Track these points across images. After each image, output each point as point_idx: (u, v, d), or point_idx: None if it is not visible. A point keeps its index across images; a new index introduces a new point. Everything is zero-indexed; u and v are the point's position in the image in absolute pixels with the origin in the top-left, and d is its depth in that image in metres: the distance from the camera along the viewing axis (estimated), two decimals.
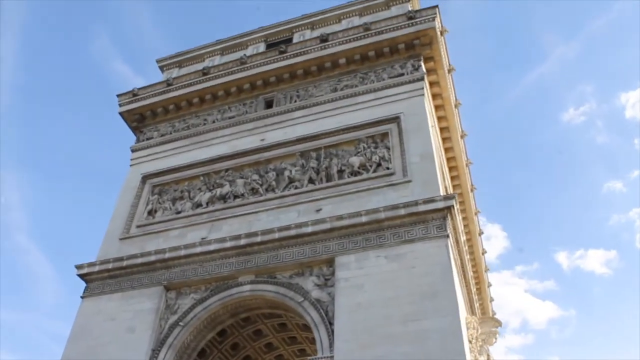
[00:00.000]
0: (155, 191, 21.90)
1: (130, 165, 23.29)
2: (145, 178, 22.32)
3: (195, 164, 21.82)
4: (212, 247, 18.71)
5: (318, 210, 18.51)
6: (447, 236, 16.45)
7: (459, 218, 17.43)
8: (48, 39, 65.63)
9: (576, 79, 73.67)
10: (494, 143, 76.22)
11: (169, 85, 24.07)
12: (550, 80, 71.41)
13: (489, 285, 34.53)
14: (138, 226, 21.00)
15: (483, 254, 32.06)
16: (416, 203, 17.13)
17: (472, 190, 28.04)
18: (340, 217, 17.63)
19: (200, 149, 22.34)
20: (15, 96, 64.19)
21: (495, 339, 18.44)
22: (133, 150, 23.73)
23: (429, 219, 16.92)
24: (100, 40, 66.07)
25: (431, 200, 17.06)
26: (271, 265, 17.90)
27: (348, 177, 19.26)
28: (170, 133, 23.59)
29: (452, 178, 25.98)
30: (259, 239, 18.26)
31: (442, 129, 24.05)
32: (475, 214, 29.42)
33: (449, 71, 23.32)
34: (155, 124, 24.22)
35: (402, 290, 15.86)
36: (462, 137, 25.57)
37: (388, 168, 18.97)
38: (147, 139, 23.84)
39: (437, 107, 23.35)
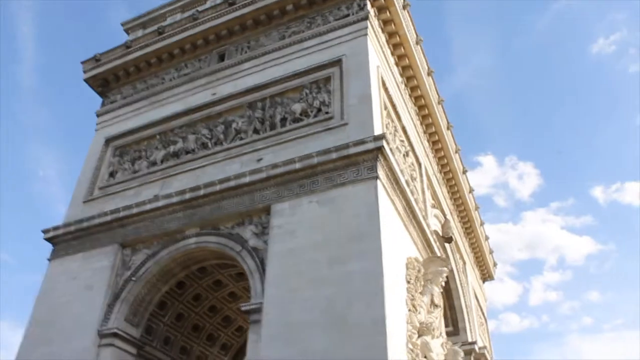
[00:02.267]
0: (117, 153, 22.38)
1: (96, 130, 23.80)
2: (108, 141, 22.81)
3: (153, 123, 22.10)
4: (160, 204, 19.10)
5: (259, 160, 18.54)
6: (377, 178, 16.25)
7: (393, 158, 17.09)
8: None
9: (606, 7, 69.95)
10: (521, 80, 73.89)
11: (127, 47, 24.26)
12: (578, 10, 68.09)
13: (482, 223, 34.11)
14: (100, 188, 21.63)
15: (470, 192, 31.53)
16: (347, 146, 16.93)
17: (448, 129, 27.40)
18: (275, 166, 17.64)
19: (158, 109, 22.58)
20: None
21: (443, 278, 18.24)
22: (98, 115, 24.21)
23: (360, 161, 16.71)
24: None
25: (361, 142, 16.80)
26: (214, 217, 18.18)
27: (290, 124, 19.17)
28: (132, 95, 23.90)
29: (423, 117, 25.44)
30: (201, 192, 18.52)
31: (404, 68, 23.46)
32: (456, 152, 28.82)
33: (404, 7, 22.59)
34: (119, 88, 24.56)
35: (331, 234, 15.87)
36: (429, 74, 24.90)
37: (327, 113, 18.74)
38: (111, 103, 24.26)
39: (395, 46, 22.74)
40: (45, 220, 68.07)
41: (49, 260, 20.54)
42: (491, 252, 36.91)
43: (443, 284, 20.23)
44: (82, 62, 24.89)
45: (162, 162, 20.91)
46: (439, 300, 17.88)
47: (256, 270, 16.58)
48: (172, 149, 20.99)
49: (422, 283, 17.50)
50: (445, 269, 18.26)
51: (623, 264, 76.83)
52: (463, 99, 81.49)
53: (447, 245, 27.42)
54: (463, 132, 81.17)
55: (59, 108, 67.61)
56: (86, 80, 24.83)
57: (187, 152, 20.59)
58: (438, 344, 17.36)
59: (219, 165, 19.32)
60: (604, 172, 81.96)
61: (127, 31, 26.63)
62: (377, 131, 17.49)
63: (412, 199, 18.42)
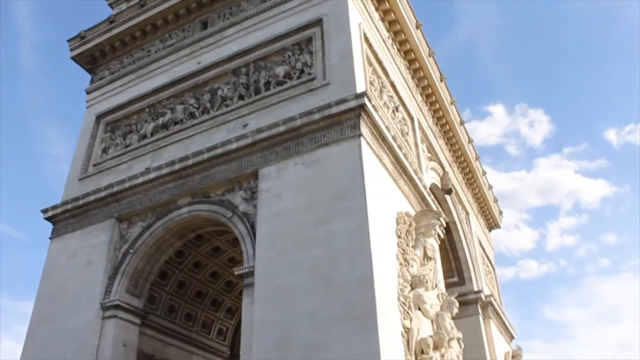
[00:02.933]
0: (108, 129, 22.53)
1: (86, 107, 23.93)
2: (99, 117, 22.94)
3: (141, 96, 22.12)
4: (151, 176, 19.30)
5: (245, 126, 18.56)
6: (360, 135, 16.20)
7: (377, 115, 16.96)
8: None
9: None
10: (528, 26, 72.44)
11: (111, 22, 24.13)
12: None
13: (484, 173, 33.94)
14: (94, 165, 21.87)
15: (469, 142, 31.28)
16: (329, 106, 16.86)
17: (442, 81, 27.03)
18: (260, 130, 17.67)
19: (145, 82, 22.55)
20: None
21: (435, 230, 18.29)
22: (88, 92, 24.29)
23: (343, 120, 16.66)
24: None
25: (343, 101, 16.71)
26: (204, 186, 18.34)
27: (273, 88, 19.07)
28: (119, 70, 23.88)
29: (415, 71, 25.12)
30: (190, 161, 18.65)
31: (390, 23, 23.08)
32: (452, 103, 28.49)
33: None
34: (106, 63, 24.52)
35: (316, 194, 15.98)
36: (417, 27, 24.47)
37: (310, 74, 18.60)
38: (99, 79, 24.29)
39: (379, 1, 22.31)
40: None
41: (50, 239, 20.98)
42: (495, 200, 36.82)
43: (441, 235, 20.51)
44: (69, 40, 24.85)
45: (152, 134, 21.02)
46: (432, 252, 17.98)
47: (247, 235, 16.80)
48: (161, 120, 21.06)
49: (414, 236, 17.59)
50: (438, 221, 18.30)
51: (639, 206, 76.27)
52: (470, 49, 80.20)
53: (447, 197, 27.45)
54: (470, 83, 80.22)
55: (65, 87, 67.80)
56: (73, 58, 24.82)
57: (176, 123, 20.64)
58: (433, 295, 17.54)
59: (207, 133, 19.38)
60: (617, 114, 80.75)
61: (111, 5, 26.41)
62: (360, 89, 17.33)
63: (400, 154, 18.36)
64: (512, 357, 29.41)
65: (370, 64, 19.92)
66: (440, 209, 21.57)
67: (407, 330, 15.01)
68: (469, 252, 28.75)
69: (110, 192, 19.96)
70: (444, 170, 26.81)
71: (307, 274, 14.80)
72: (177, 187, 18.89)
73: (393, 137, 17.98)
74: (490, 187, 35.43)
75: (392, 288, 15.14)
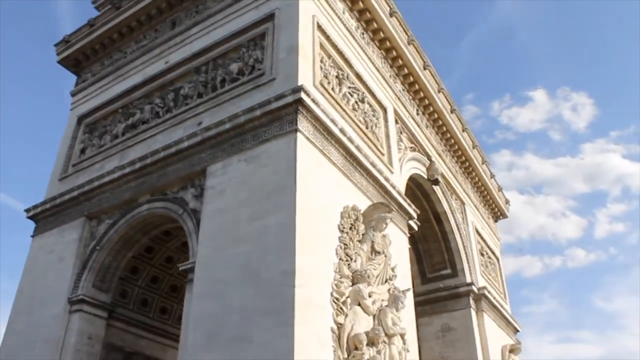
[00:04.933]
0: (87, 130, 23.36)
1: (70, 110, 24.84)
2: (80, 119, 23.79)
3: (116, 97, 22.78)
4: (116, 175, 19.92)
5: (199, 124, 18.84)
6: (296, 130, 16.23)
7: (319, 109, 16.88)
8: None
9: None
10: (568, 8, 69.85)
11: (91, 26, 24.94)
12: None
13: (484, 162, 33.12)
14: (73, 165, 22.72)
15: (464, 130, 30.57)
16: (269, 101, 16.94)
17: (425, 69, 26.55)
18: (208, 128, 17.95)
19: (121, 83, 23.21)
20: None
21: (386, 224, 18.03)
22: (72, 95, 25.20)
23: (283, 115, 16.71)
24: None
25: (281, 96, 16.75)
26: (161, 184, 18.80)
27: (228, 85, 19.29)
28: (100, 72, 24.64)
29: (392, 60, 24.77)
30: (149, 160, 19.14)
31: (360, 12, 22.85)
32: (439, 91, 27.93)
33: None
34: (89, 66, 25.36)
35: (253, 190, 16.16)
36: (391, 15, 24.10)
37: (259, 69, 18.71)
38: (83, 82, 25.17)
39: None
40: None
41: (32, 237, 21.99)
42: (500, 189, 35.89)
43: (414, 227, 20.74)
44: (55, 45, 25.81)
45: (123, 134, 21.64)
46: (382, 247, 17.77)
47: (194, 231, 17.15)
48: (131, 120, 21.64)
49: (361, 231, 17.44)
50: (389, 214, 18.08)
51: None
52: (508, 33, 77.94)
53: (436, 187, 27.09)
54: (509, 68, 77.93)
55: None
56: (60, 62, 25.78)
57: (143, 123, 21.16)
58: (383, 290, 17.44)
59: (167, 132, 19.81)
60: None
61: (97, 8, 27.20)
62: (303, 82, 17.32)
63: (352, 147, 18.23)
64: (510, 350, 28.74)
65: (329, 56, 19.84)
66: (408, 202, 21.32)
67: (340, 326, 14.99)
68: (462, 243, 28.26)
69: (82, 191, 20.74)
70: (430, 160, 26.42)
71: (240, 269, 15.04)
72: (138, 185, 19.45)
73: (341, 130, 17.86)
74: (492, 176, 34.58)
75: (325, 283, 15.12)
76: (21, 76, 64.60)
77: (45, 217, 21.84)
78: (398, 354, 16.05)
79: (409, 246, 21.83)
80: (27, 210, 22.26)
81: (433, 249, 28.31)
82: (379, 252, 17.58)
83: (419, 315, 27.11)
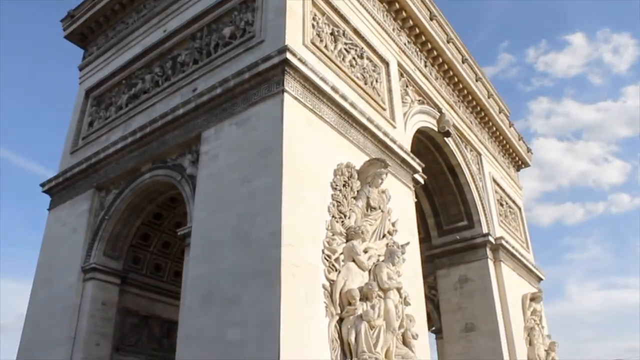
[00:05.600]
0: (94, 103, 23.80)
1: (79, 84, 25.28)
2: (88, 92, 24.24)
3: (119, 69, 23.02)
4: (120, 145, 20.36)
5: (194, 90, 18.98)
6: (283, 91, 16.18)
7: (306, 68, 16.74)
8: None
9: None
10: None
11: None
12: None
13: (501, 111, 32.29)
14: (82, 138, 23.28)
15: (478, 80, 29.77)
16: (257, 64, 16.89)
17: (432, 19, 25.84)
18: (201, 94, 18.06)
19: (123, 54, 23.43)
20: None
21: (382, 179, 17.89)
22: (80, 69, 25.61)
23: (271, 77, 16.65)
24: None
25: (268, 58, 16.67)
26: (161, 152, 19.12)
27: (221, 49, 19.28)
28: (104, 44, 24.92)
29: (396, 12, 24.21)
30: (148, 129, 19.46)
31: None
32: (448, 41, 27.21)
33: None
34: (95, 39, 25.63)
35: (244, 153, 16.32)
36: None
37: (250, 32, 18.60)
38: (89, 55, 25.52)
39: None
40: None
41: (48, 210, 22.80)
42: (520, 138, 35.02)
43: (420, 180, 21.16)
44: (61, 21, 26.16)
45: (126, 105, 21.97)
46: (378, 202, 17.72)
47: (191, 197, 17.49)
48: (133, 91, 21.94)
49: (356, 187, 17.41)
50: (384, 170, 17.94)
51: None
52: None
53: (448, 139, 26.72)
54: (545, 13, 75.01)
55: None
56: (67, 38, 26.15)
57: (145, 92, 21.41)
58: (381, 245, 17.48)
59: (165, 100, 20.03)
60: None
61: None
62: (291, 43, 17.16)
63: (346, 104, 18.08)
64: (531, 299, 28.57)
65: (323, 13, 19.56)
66: (411, 156, 21.13)
67: (332, 283, 15.19)
68: (478, 194, 27.93)
69: (90, 163, 21.30)
70: (440, 112, 25.98)
71: (232, 231, 15.34)
72: (140, 154, 19.85)
73: (333, 88, 17.68)
74: (511, 125, 33.74)
75: (315, 242, 15.24)
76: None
77: (59, 190, 22.56)
78: (394, 307, 16.13)
79: (416, 200, 21.81)
80: (42, 185, 23.05)
81: (449, 201, 28.09)
82: (374, 208, 17.55)
83: (437, 267, 27.45)
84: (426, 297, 27.13)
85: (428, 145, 26.90)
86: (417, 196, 27.94)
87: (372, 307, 15.47)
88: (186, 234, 16.87)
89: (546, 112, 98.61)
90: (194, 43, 20.36)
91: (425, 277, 27.78)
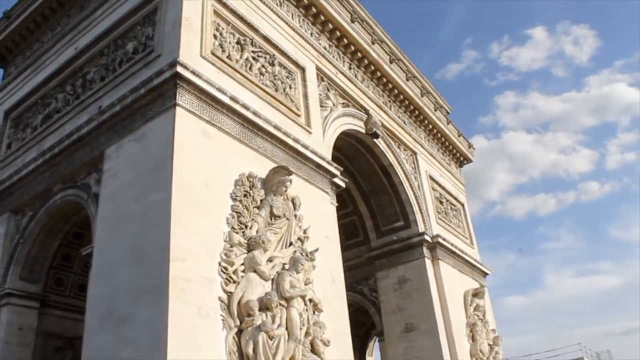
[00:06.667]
0: (12, 125, 23.50)
1: None
2: (7, 114, 23.90)
3: (35, 89, 22.66)
4: (31, 167, 20.09)
5: (100, 107, 18.81)
6: (175, 105, 16.07)
7: (200, 80, 16.59)
8: None
9: None
10: None
11: (8, 18, 24.83)
12: None
13: (437, 108, 32.38)
14: (1, 161, 22.97)
15: (408, 79, 29.83)
16: (151, 79, 16.79)
17: (353, 21, 25.83)
18: (102, 112, 17.92)
19: (39, 73, 23.09)
20: None
21: (286, 187, 17.82)
22: (0, 90, 25.34)
23: (165, 92, 16.55)
24: None
25: (160, 72, 16.59)
26: (70, 172, 18.87)
27: (124, 65, 19.13)
28: (22, 64, 24.66)
29: (314, 17, 24.16)
30: (56, 149, 19.23)
31: None
32: (373, 42, 27.14)
33: None
34: (13, 59, 25.37)
35: (140, 169, 16.21)
36: None
37: (149, 46, 18.48)
38: (8, 76, 25.24)
39: None
40: None
41: None
42: (460, 134, 35.15)
43: (341, 184, 21.41)
44: None
45: (41, 125, 21.70)
46: (283, 210, 17.64)
47: (96, 215, 17.32)
48: (47, 111, 21.71)
49: (259, 197, 17.33)
50: (288, 177, 17.88)
51: None
52: None
53: (378, 141, 26.77)
54: (505, 9, 75.64)
55: None
56: None
57: (57, 112, 21.19)
58: (288, 253, 17.39)
59: (73, 119, 19.79)
60: None
61: None
62: (186, 55, 17.07)
63: (248, 113, 18.01)
64: (473, 295, 28.68)
65: (228, 23, 19.50)
66: (327, 160, 21.11)
67: (230, 295, 15.10)
68: (414, 194, 27.99)
69: (4, 186, 21.02)
70: (367, 114, 26.01)
71: (128, 249, 15.22)
72: (51, 175, 19.60)
73: (232, 98, 17.60)
74: (449, 122, 33.87)
75: (210, 255, 15.13)
76: None
77: None
78: (299, 315, 16.05)
79: (336, 204, 21.76)
80: None
81: (385, 202, 28.14)
82: (278, 217, 17.45)
83: (377, 269, 27.48)
84: (368, 299, 27.50)
85: (359, 147, 26.93)
86: (353, 200, 28.28)
87: (273, 317, 15.40)
88: (88, 254, 16.70)
89: (513, 105, 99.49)
90: (102, 60, 20.20)
91: (366, 279, 28.12)
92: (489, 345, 27.99)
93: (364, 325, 30.98)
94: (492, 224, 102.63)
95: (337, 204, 21.97)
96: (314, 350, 16.45)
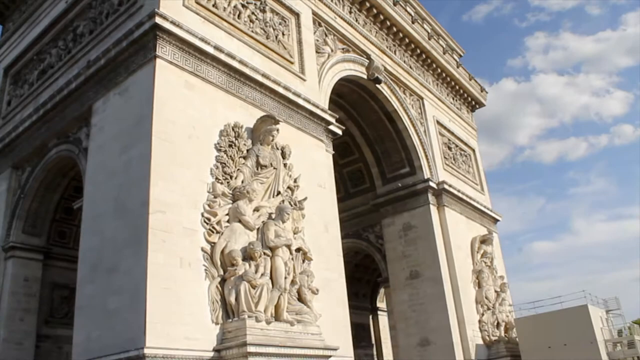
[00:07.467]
0: (11, 81, 23.69)
1: None
2: (6, 71, 24.10)
3: (30, 44, 22.80)
4: (27, 123, 20.39)
5: (89, 62, 18.74)
6: (155, 57, 15.87)
7: (181, 31, 16.28)
8: None
9: None
10: None
11: None
12: None
13: (445, 51, 31.33)
14: (2, 117, 23.30)
15: (414, 22, 28.79)
16: (132, 31, 16.57)
17: None
18: (89, 66, 17.86)
19: (34, 29, 23.14)
20: None
21: (273, 136, 17.57)
22: None
23: (146, 43, 16.34)
24: None
25: (140, 24, 16.33)
26: (63, 127, 19.14)
27: (110, 18, 18.91)
28: (18, 19, 24.61)
29: None
30: (49, 105, 19.40)
31: None
32: None
33: None
34: (10, 15, 25.35)
35: (123, 123, 16.25)
36: None
37: None
38: (6, 32, 25.28)
39: None
40: None
41: None
42: (471, 78, 34.04)
43: (338, 132, 21.05)
44: None
45: (37, 81, 21.83)
46: (269, 160, 17.47)
47: (85, 170, 17.51)
48: (42, 66, 21.78)
49: (245, 147, 17.18)
50: (275, 126, 17.63)
51: None
52: None
53: (381, 86, 26.21)
54: None
55: None
56: None
57: (51, 67, 21.23)
58: (274, 202, 17.32)
59: (65, 74, 19.84)
60: None
61: None
62: (168, 5, 16.74)
63: (234, 62, 17.73)
64: (481, 242, 28.42)
65: None
66: (321, 108, 20.72)
67: (213, 246, 15.23)
68: (419, 139, 27.51)
69: (5, 142, 21.37)
70: (369, 59, 25.39)
71: (113, 202, 15.47)
72: (46, 130, 19.86)
73: (216, 48, 17.30)
74: (459, 65, 32.79)
75: (192, 206, 15.19)
76: None
77: None
78: (284, 264, 16.13)
79: (332, 152, 21.59)
80: None
81: (390, 149, 27.77)
82: (265, 166, 17.34)
83: (382, 216, 27.38)
84: (374, 247, 27.53)
85: (361, 93, 26.42)
86: (358, 146, 28.01)
87: (257, 266, 15.52)
88: (79, 208, 16.99)
89: (544, 47, 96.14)
90: (90, 13, 20.00)
91: (372, 226, 28.09)
92: (496, 291, 27.86)
93: (374, 272, 31.06)
94: (521, 168, 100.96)
95: (333, 152, 21.81)
96: (300, 299, 16.58)
